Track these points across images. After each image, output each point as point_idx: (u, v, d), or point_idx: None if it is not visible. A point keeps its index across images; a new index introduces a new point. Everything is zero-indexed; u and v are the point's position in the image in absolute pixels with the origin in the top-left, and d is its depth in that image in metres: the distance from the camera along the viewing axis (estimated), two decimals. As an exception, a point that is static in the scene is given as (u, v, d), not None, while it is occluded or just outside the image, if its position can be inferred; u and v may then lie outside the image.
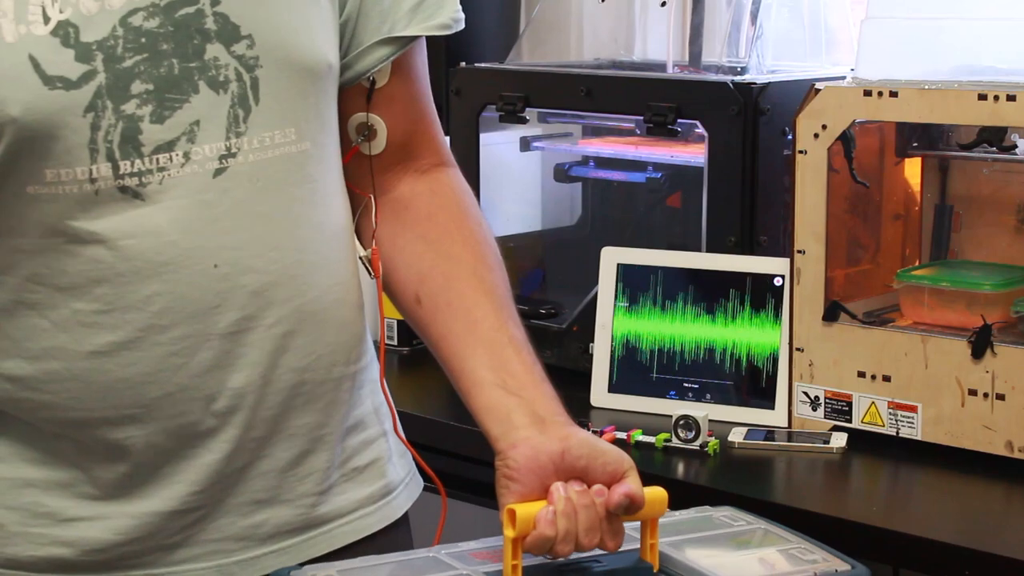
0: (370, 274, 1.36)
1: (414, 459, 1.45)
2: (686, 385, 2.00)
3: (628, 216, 2.29)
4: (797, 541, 1.24)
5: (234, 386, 1.25)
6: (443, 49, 2.38)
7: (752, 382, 1.97)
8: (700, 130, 2.02)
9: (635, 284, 2.04)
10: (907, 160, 2.00)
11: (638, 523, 1.21)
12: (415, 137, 1.38)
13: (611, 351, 2.04)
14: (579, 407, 2.01)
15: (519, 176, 2.38)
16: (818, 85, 1.86)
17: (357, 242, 1.38)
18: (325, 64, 1.28)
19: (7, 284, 1.23)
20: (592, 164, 2.29)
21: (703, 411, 1.86)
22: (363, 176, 1.37)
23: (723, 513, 1.32)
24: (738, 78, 2.01)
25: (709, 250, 2.03)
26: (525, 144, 2.33)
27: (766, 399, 1.96)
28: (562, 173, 2.31)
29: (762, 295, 1.97)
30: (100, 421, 1.24)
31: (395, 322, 2.35)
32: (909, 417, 1.82)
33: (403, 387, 2.20)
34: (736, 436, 1.87)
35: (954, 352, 1.78)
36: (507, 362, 1.26)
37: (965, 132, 1.89)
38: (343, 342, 1.33)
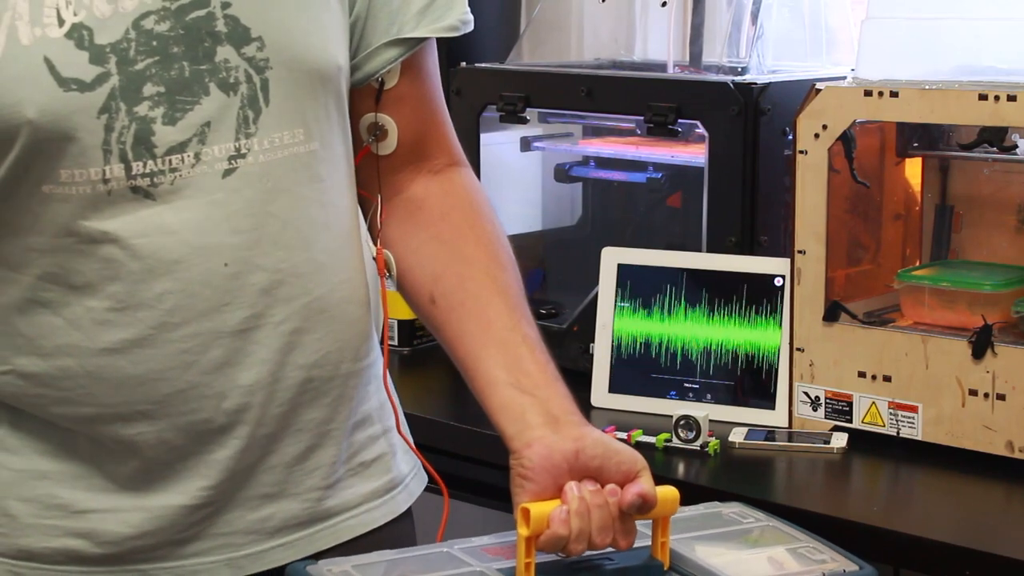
0: (387, 275, 1.37)
1: (421, 462, 1.46)
2: (687, 385, 2.00)
3: (628, 216, 2.30)
4: (806, 540, 1.25)
5: (244, 383, 1.27)
6: (444, 49, 2.38)
7: (752, 382, 1.97)
8: (700, 130, 2.02)
9: (635, 284, 2.04)
10: (908, 160, 2.00)
11: (649, 520, 1.22)
12: (427, 137, 1.39)
13: (611, 351, 2.04)
14: (580, 407, 2.00)
15: (519, 176, 2.38)
16: (819, 85, 1.86)
17: (370, 242, 1.39)
18: (335, 66, 1.29)
19: (21, 282, 1.24)
20: (592, 164, 2.29)
21: (703, 411, 1.86)
22: (375, 176, 1.39)
23: (732, 510, 1.33)
24: (738, 78, 2.01)
25: (709, 250, 2.03)
26: (526, 144, 2.34)
27: (766, 399, 1.96)
28: (562, 173, 2.31)
29: (762, 295, 1.97)
30: (112, 417, 1.26)
31: (395, 322, 2.35)
32: (909, 417, 1.82)
33: (404, 387, 2.19)
34: (736, 436, 1.87)
35: (954, 352, 1.78)
36: (521, 361, 1.28)
37: (965, 132, 1.89)
38: (350, 339, 1.34)
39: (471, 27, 1.37)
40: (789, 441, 1.86)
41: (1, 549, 1.30)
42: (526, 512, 1.17)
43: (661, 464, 1.82)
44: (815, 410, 1.89)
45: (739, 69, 2.09)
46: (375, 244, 1.39)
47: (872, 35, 1.89)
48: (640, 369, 2.02)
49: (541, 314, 2.18)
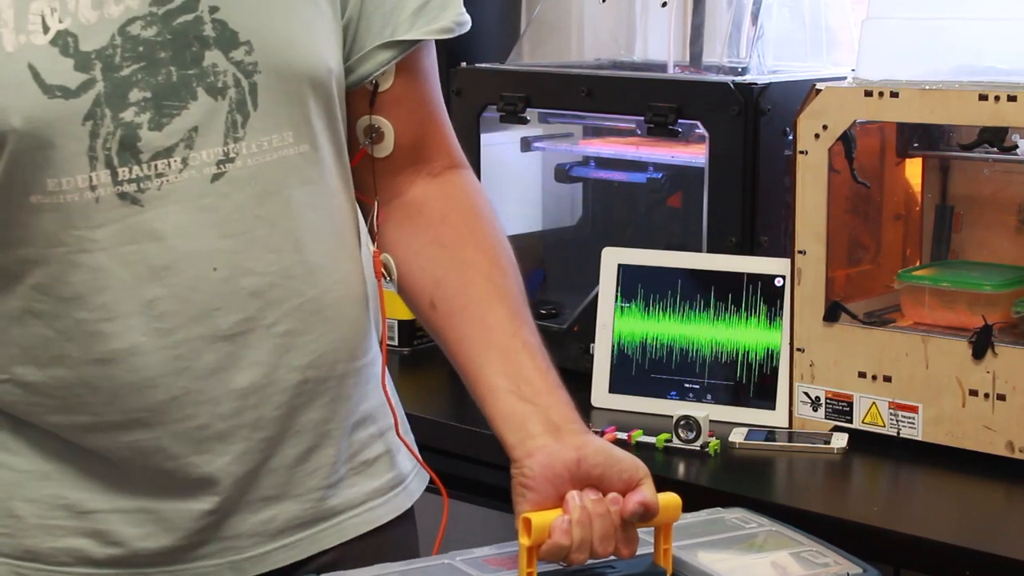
0: (387, 279, 1.37)
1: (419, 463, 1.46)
2: (687, 385, 2.00)
3: (629, 216, 2.30)
4: (809, 544, 1.24)
5: (239, 387, 1.26)
6: (444, 50, 2.38)
7: (753, 382, 1.97)
8: (701, 130, 2.02)
9: (636, 284, 2.04)
10: (908, 160, 2.00)
11: (652, 527, 1.22)
12: (425, 140, 1.38)
13: (612, 351, 2.04)
14: (580, 408, 1.99)
15: (520, 176, 2.38)
16: (819, 85, 1.86)
17: (372, 246, 1.38)
18: (324, 69, 1.29)
19: (16, 293, 1.24)
20: (593, 164, 2.29)
21: (704, 411, 1.86)
22: (373, 179, 1.38)
23: (735, 515, 1.32)
24: (739, 78, 2.01)
25: (710, 250, 2.03)
26: (526, 144, 2.34)
27: (767, 399, 1.96)
28: (563, 173, 2.31)
29: (763, 295, 1.97)
30: (109, 425, 1.25)
31: (396, 322, 2.35)
32: (910, 417, 1.82)
33: (404, 387, 2.19)
34: (737, 436, 1.87)
35: (955, 352, 1.78)
36: (522, 368, 1.27)
37: (966, 132, 1.89)
38: (346, 339, 1.34)
39: (467, 28, 1.37)
40: (789, 441, 1.86)
41: (7, 550, 1.30)
42: (527, 522, 1.16)
43: (661, 464, 1.82)
44: (815, 410, 1.89)
45: (739, 69, 2.09)
46: (378, 247, 1.39)
47: (872, 35, 1.89)
48: (640, 369, 2.02)
49: (541, 314, 2.18)
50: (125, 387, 1.24)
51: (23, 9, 1.17)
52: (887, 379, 1.83)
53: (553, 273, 2.36)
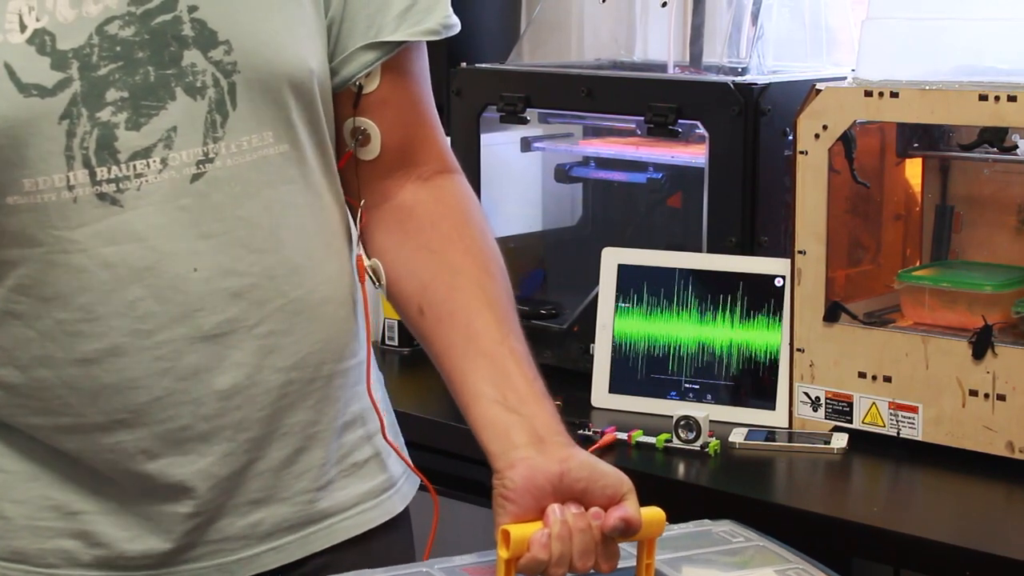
0: (375, 284, 1.36)
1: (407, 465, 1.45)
2: (687, 386, 2.00)
3: (629, 217, 2.30)
4: (796, 561, 1.22)
5: (221, 388, 1.26)
6: (444, 50, 2.38)
7: (753, 383, 1.97)
8: (701, 131, 2.02)
9: (636, 284, 2.04)
10: (908, 160, 2.00)
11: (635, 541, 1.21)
12: (414, 143, 1.37)
13: (612, 351, 2.04)
14: (580, 408, 2.01)
15: (520, 176, 2.38)
16: (819, 86, 1.86)
17: (362, 250, 1.37)
18: (305, 69, 1.28)
19: None
20: (593, 164, 2.29)
21: (704, 411, 1.86)
22: (361, 181, 1.37)
23: (722, 528, 1.30)
24: (739, 79, 2.01)
25: (710, 250, 2.03)
26: (526, 144, 2.33)
27: (767, 400, 1.96)
28: (563, 173, 2.31)
29: (763, 295, 1.97)
30: (91, 427, 1.25)
31: (396, 323, 2.35)
32: (910, 418, 1.82)
33: (403, 387, 2.20)
34: (737, 437, 1.87)
35: (955, 352, 1.78)
36: (508, 377, 1.25)
37: (966, 132, 1.89)
38: (332, 340, 1.33)
39: (455, 31, 1.35)
40: (789, 441, 1.86)
41: None
42: (506, 534, 1.15)
43: (661, 464, 1.82)
44: (815, 410, 1.89)
45: (739, 69, 2.09)
46: (367, 252, 1.37)
47: (872, 35, 1.89)
48: (640, 369, 2.02)
49: (541, 314, 2.18)
50: (107, 388, 1.23)
51: (0, 8, 1.17)
52: (887, 379, 1.83)
53: (553, 273, 2.36)
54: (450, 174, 1.39)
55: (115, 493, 1.28)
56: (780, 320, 1.95)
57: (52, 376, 1.24)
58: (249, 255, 1.25)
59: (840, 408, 1.87)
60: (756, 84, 1.98)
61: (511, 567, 1.15)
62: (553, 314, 2.20)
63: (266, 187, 1.26)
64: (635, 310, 2.04)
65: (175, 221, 1.22)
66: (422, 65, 1.37)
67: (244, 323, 1.26)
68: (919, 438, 1.81)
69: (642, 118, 2.06)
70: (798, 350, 1.90)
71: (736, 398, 1.97)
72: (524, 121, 2.22)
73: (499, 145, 2.30)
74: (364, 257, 1.36)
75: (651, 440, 1.86)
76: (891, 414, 1.83)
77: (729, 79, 2.01)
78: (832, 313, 1.87)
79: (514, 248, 2.31)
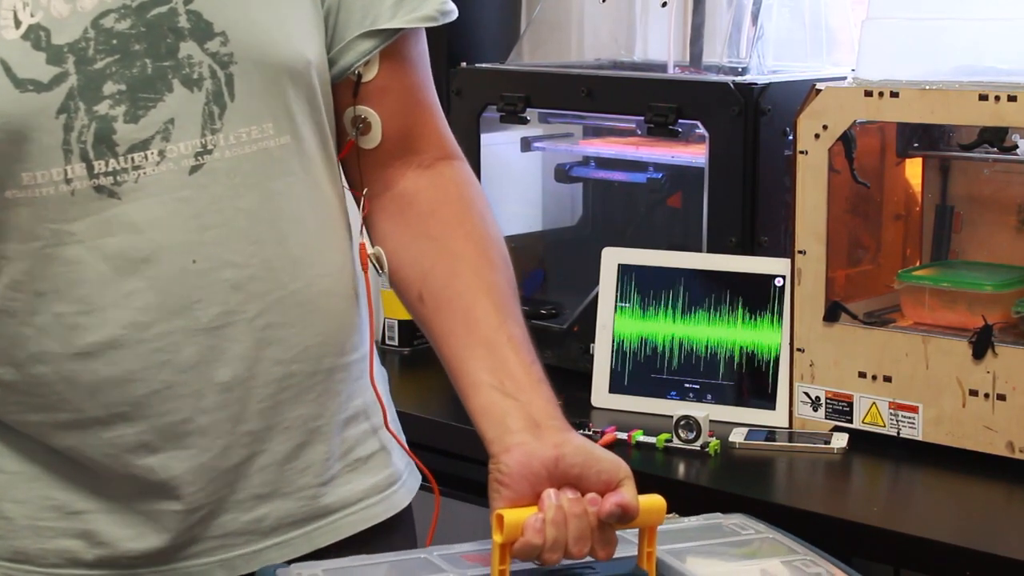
0: (378, 271, 1.36)
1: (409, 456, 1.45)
2: (687, 385, 2.00)
3: (629, 216, 2.30)
4: (804, 552, 1.22)
5: (221, 381, 1.26)
6: (444, 49, 2.38)
7: (753, 382, 1.97)
8: (701, 130, 2.02)
9: (636, 284, 2.04)
10: (908, 160, 2.00)
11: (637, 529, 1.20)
12: (414, 130, 1.37)
13: (612, 351, 2.04)
14: (580, 407, 2.01)
15: (520, 176, 2.38)
16: (819, 85, 1.86)
17: (367, 238, 1.37)
18: (302, 60, 1.28)
19: None
20: (593, 164, 2.29)
21: (704, 411, 1.86)
22: (364, 170, 1.37)
23: (733, 521, 1.29)
24: (739, 78, 2.01)
25: (710, 250, 2.03)
26: (526, 144, 2.34)
27: (767, 399, 1.96)
28: (563, 173, 2.31)
29: (763, 295, 1.97)
30: (91, 421, 1.25)
31: (396, 322, 2.35)
32: (910, 417, 1.82)
33: (403, 387, 2.20)
34: (737, 436, 1.87)
35: (955, 352, 1.78)
36: (505, 363, 1.25)
37: (966, 132, 1.89)
38: (333, 333, 1.33)
39: (452, 17, 1.35)
40: (789, 441, 1.86)
41: None
42: (500, 519, 1.14)
43: (661, 464, 1.82)
44: (815, 410, 1.89)
45: (739, 69, 2.09)
46: (372, 240, 1.37)
47: (872, 35, 1.89)
48: (640, 369, 2.02)
49: (541, 314, 2.18)
50: (106, 381, 1.23)
51: None
52: (887, 379, 1.83)
53: (553, 273, 2.36)
54: (451, 160, 1.39)
55: (116, 491, 1.28)
56: (780, 320, 1.95)
57: (50, 371, 1.24)
58: (248, 247, 1.25)
59: (840, 408, 1.87)
60: (756, 84, 1.98)
61: (505, 551, 1.14)
62: (553, 314, 2.20)
63: (266, 179, 1.26)
64: (635, 310, 2.04)
65: (174, 213, 1.22)
66: (420, 51, 1.37)
67: (243, 315, 1.26)
68: (919, 438, 1.81)
69: (642, 118, 2.06)
70: (798, 350, 1.90)
71: (736, 398, 1.97)
72: (524, 121, 2.22)
73: (499, 145, 2.30)
74: (368, 245, 1.36)
75: (651, 440, 1.86)
76: (891, 414, 1.83)
77: (729, 79, 2.01)
78: (832, 313, 1.87)
79: (514, 248, 2.27)
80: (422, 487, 1.46)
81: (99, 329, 1.22)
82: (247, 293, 1.26)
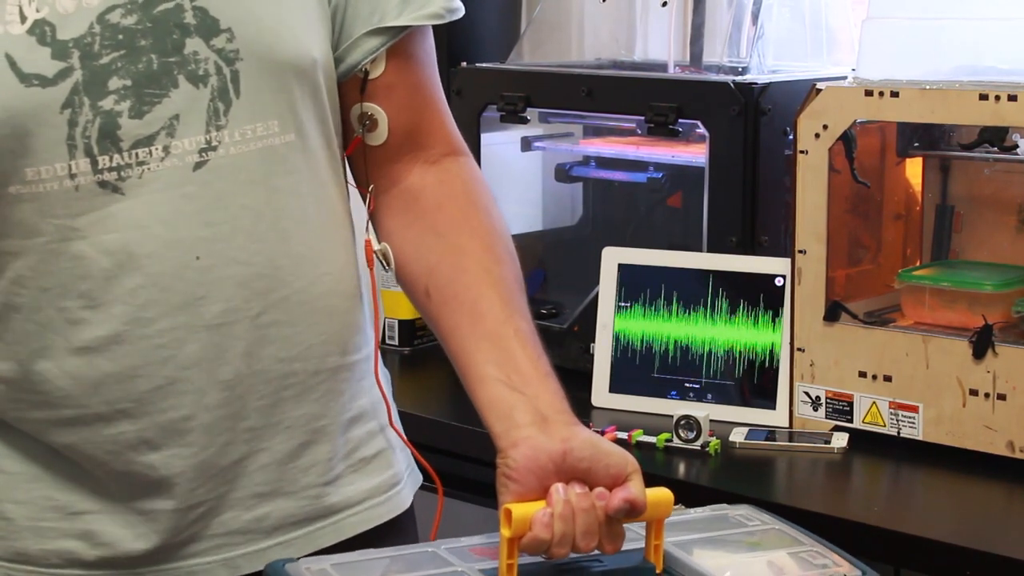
0: (384, 267, 1.36)
1: (413, 454, 1.45)
2: (687, 385, 2.00)
3: (629, 216, 2.30)
4: (810, 544, 1.22)
5: (224, 378, 1.26)
6: (444, 49, 2.38)
7: (753, 382, 1.97)
8: (701, 130, 2.02)
9: (636, 284, 2.04)
10: (908, 160, 2.00)
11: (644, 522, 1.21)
12: (420, 126, 1.37)
13: (612, 351, 2.04)
14: (580, 407, 1.99)
15: (520, 176, 2.38)
16: (819, 85, 1.86)
17: (373, 235, 1.37)
18: (308, 58, 1.28)
19: None
20: (593, 164, 2.29)
21: (704, 411, 1.86)
22: (370, 167, 1.37)
23: (739, 512, 1.29)
24: (739, 78, 2.01)
25: (710, 250, 2.03)
26: (526, 144, 2.34)
27: (767, 399, 1.96)
28: (563, 173, 2.31)
29: (763, 295, 1.97)
30: (93, 418, 1.25)
31: (396, 322, 2.35)
32: (910, 417, 1.82)
33: (403, 387, 2.20)
34: (737, 436, 1.87)
35: (955, 352, 1.78)
36: (512, 357, 1.25)
37: (966, 132, 1.89)
38: (336, 332, 1.33)
39: (459, 15, 1.35)
40: (790, 441, 1.86)
41: None
42: (508, 513, 1.14)
43: (662, 464, 1.82)
44: (816, 410, 1.89)
45: (740, 69, 2.09)
46: (377, 236, 1.38)
47: (872, 35, 1.89)
48: (641, 369, 2.02)
49: (542, 314, 2.19)
50: (109, 377, 1.23)
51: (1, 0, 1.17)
52: (887, 379, 1.83)
53: (553, 273, 2.36)
54: (457, 156, 1.40)
55: (116, 490, 1.28)
56: (780, 320, 1.95)
57: (53, 367, 1.24)
58: (252, 244, 1.25)
59: (840, 408, 1.87)
60: (756, 84, 1.98)
61: (513, 545, 1.15)
62: (553, 314, 2.21)
63: (270, 176, 1.26)
64: (635, 310, 2.04)
65: (177, 209, 1.22)
66: (427, 48, 1.37)
67: (246, 312, 1.26)
68: (919, 438, 1.81)
69: (642, 118, 2.07)
70: (798, 350, 1.90)
71: (737, 398, 1.97)
72: (524, 121, 2.22)
73: (499, 145, 2.30)
74: (374, 241, 1.36)
75: (652, 440, 1.86)
76: (891, 414, 1.83)
77: (729, 79, 2.01)
78: (832, 313, 1.87)
79: (515, 248, 2.30)
80: (423, 487, 1.47)
81: (102, 324, 1.22)
82: (250, 290, 1.26)
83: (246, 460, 1.29)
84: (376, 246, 1.36)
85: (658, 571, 1.18)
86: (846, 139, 1.86)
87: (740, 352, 1.98)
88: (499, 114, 2.22)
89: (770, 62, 2.10)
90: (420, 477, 1.47)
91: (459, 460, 1.89)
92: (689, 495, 1.76)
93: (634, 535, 1.20)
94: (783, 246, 1.98)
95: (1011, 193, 1.92)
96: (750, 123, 1.97)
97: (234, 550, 1.32)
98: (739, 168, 1.98)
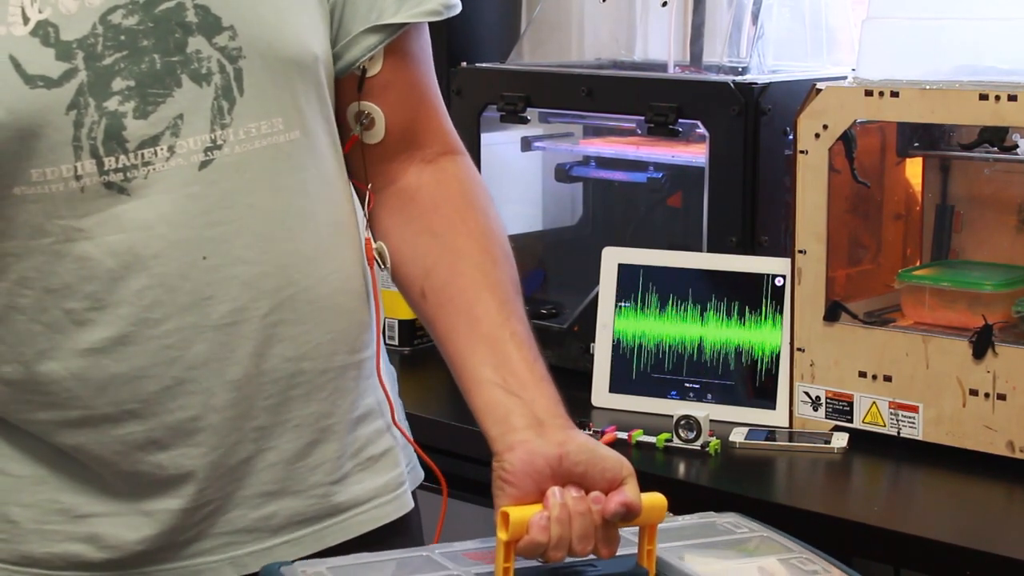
0: (381, 267, 1.36)
1: (417, 453, 1.45)
2: (687, 385, 2.00)
3: (629, 216, 2.30)
4: (799, 550, 1.22)
5: (232, 378, 1.26)
6: (444, 49, 2.38)
7: (753, 382, 1.97)
8: (701, 130, 2.02)
9: (636, 284, 2.04)
10: (908, 160, 2.00)
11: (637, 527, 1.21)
12: (417, 125, 1.37)
13: (612, 351, 2.04)
14: (580, 407, 2.01)
15: (520, 176, 2.38)
16: (819, 85, 1.86)
17: (371, 234, 1.37)
18: (310, 55, 1.28)
19: None
20: (593, 164, 2.29)
21: (704, 411, 1.86)
22: (367, 165, 1.37)
23: (727, 520, 1.30)
24: (739, 78, 2.01)
25: (710, 250, 2.03)
26: (526, 144, 2.34)
27: (767, 399, 1.96)
28: (563, 173, 2.31)
29: (763, 295, 1.97)
30: (101, 419, 1.25)
31: (396, 322, 2.35)
32: (910, 417, 1.82)
33: (404, 387, 2.18)
34: (737, 436, 1.87)
35: (955, 352, 1.78)
36: (508, 360, 1.25)
37: (966, 132, 1.89)
38: (344, 330, 1.33)
39: (456, 11, 1.35)
40: (790, 441, 1.86)
41: (3, 555, 1.29)
42: (505, 516, 1.15)
43: (661, 464, 1.82)
44: (816, 410, 1.89)
45: (740, 69, 2.09)
46: (374, 236, 1.37)
47: (873, 35, 1.89)
48: (640, 369, 2.02)
49: (541, 314, 2.19)
50: (116, 378, 1.23)
51: (2, 1, 1.17)
52: (887, 379, 1.83)
53: (553, 273, 2.36)
54: (454, 155, 1.39)
55: (122, 491, 1.28)
56: (780, 320, 1.95)
57: (59, 368, 1.23)
58: (259, 243, 1.25)
59: (840, 408, 1.87)
60: (756, 84, 1.98)
61: (510, 549, 1.15)
62: (553, 314, 2.21)
63: (276, 174, 1.26)
64: (635, 310, 2.04)
65: (183, 209, 1.22)
66: (424, 46, 1.37)
67: (254, 312, 1.26)
68: (919, 438, 1.81)
69: (642, 118, 2.07)
70: (798, 350, 1.90)
71: (736, 398, 1.97)
72: (524, 121, 2.22)
73: (499, 145, 2.30)
74: (372, 240, 1.36)
75: (651, 440, 1.86)
76: (891, 414, 1.83)
77: (729, 79, 2.01)
78: (832, 313, 1.87)
79: (514, 248, 2.28)
80: (424, 487, 1.47)
81: (109, 325, 1.22)
82: (258, 290, 1.26)
83: (254, 459, 1.29)
84: (374, 245, 1.36)
85: None
86: (846, 139, 1.86)
87: (740, 352, 1.98)
88: (499, 114, 2.22)
89: (770, 62, 2.10)
90: (421, 475, 1.47)
91: (459, 460, 1.89)
92: (689, 495, 1.76)
93: (625, 540, 1.20)
94: (783, 246, 1.98)
95: (1011, 193, 1.92)
96: (750, 123, 1.97)
97: (241, 548, 1.31)
98: (739, 168, 1.98)
